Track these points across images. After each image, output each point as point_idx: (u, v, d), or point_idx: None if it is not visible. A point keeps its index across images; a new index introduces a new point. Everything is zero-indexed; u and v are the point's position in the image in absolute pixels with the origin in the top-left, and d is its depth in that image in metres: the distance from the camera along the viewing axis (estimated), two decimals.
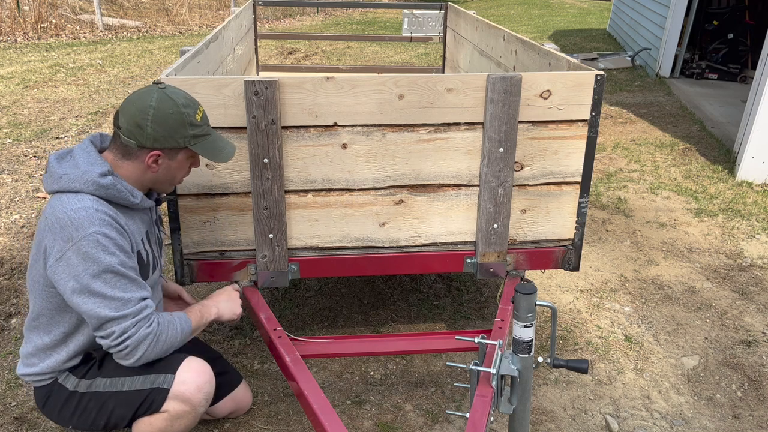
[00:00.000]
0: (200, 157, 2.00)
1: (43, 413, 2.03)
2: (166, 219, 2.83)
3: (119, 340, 1.77)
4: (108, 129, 5.91)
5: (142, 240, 1.97)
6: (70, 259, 1.73)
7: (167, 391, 1.89)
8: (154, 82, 1.92)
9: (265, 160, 2.21)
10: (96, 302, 1.74)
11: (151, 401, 1.89)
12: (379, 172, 2.32)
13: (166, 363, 1.94)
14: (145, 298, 1.83)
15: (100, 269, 1.73)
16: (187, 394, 1.90)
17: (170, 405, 1.89)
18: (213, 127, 2.17)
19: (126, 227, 1.85)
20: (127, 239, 1.84)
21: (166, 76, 2.11)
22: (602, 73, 2.28)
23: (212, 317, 2.09)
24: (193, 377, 1.92)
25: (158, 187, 1.99)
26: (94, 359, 1.97)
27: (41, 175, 4.79)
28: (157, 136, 1.82)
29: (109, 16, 12.53)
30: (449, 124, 2.28)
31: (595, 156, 4.18)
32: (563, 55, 2.57)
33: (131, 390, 1.90)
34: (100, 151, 1.91)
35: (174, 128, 1.83)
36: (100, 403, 1.92)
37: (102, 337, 1.80)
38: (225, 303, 2.15)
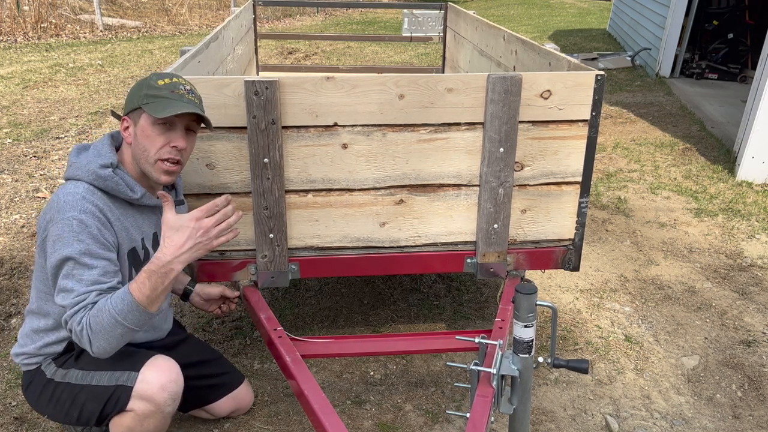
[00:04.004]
0: (179, 137, 1.86)
1: (25, 398, 2.04)
2: None
3: (67, 328, 1.75)
4: (108, 129, 5.91)
5: (142, 239, 1.97)
6: (48, 238, 1.79)
7: (131, 389, 1.86)
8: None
9: (266, 160, 2.21)
10: (56, 292, 1.78)
11: (117, 398, 1.87)
12: (379, 172, 2.32)
13: (133, 360, 1.92)
14: (87, 292, 1.72)
15: (63, 257, 1.73)
16: (149, 392, 1.86)
17: (135, 404, 1.87)
18: (214, 127, 2.16)
19: (115, 221, 1.86)
20: (111, 232, 1.83)
21: None
22: (602, 73, 2.28)
23: (167, 266, 1.73)
24: (156, 376, 1.88)
25: (142, 167, 1.89)
26: (73, 349, 1.97)
27: (41, 175, 4.79)
28: (126, 102, 1.90)
29: (109, 16, 12.52)
30: (449, 124, 2.28)
31: (595, 156, 4.18)
32: (563, 55, 2.57)
33: (99, 385, 1.90)
34: (121, 146, 1.98)
35: (134, 91, 1.88)
36: (73, 395, 1.92)
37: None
38: (175, 238, 1.74)
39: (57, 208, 1.79)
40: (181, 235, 1.74)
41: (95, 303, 1.72)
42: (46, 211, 1.83)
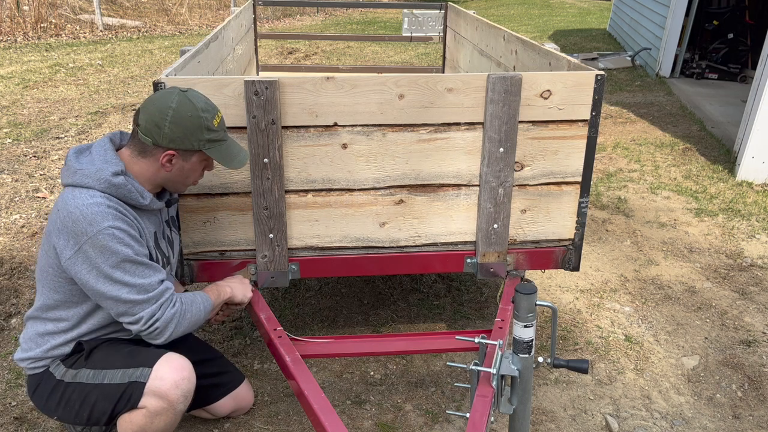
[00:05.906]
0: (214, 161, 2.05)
1: (33, 402, 2.04)
2: None
3: (149, 323, 1.88)
4: (108, 129, 5.91)
5: (147, 239, 1.98)
6: (88, 252, 1.79)
7: (144, 385, 1.87)
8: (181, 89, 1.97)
9: (265, 160, 2.21)
10: (119, 289, 1.82)
11: (129, 395, 1.88)
12: (379, 172, 2.32)
13: (146, 357, 1.94)
14: (163, 280, 1.92)
15: (118, 260, 1.81)
16: (163, 389, 1.87)
17: (147, 401, 1.87)
18: None
19: (135, 220, 1.92)
20: (136, 230, 1.91)
21: (166, 76, 2.11)
22: (602, 73, 2.28)
23: (227, 296, 2.19)
24: (170, 373, 1.89)
25: (170, 187, 2.03)
26: (83, 350, 1.97)
27: (41, 174, 4.79)
28: (174, 136, 1.87)
29: (109, 16, 12.52)
30: (449, 124, 2.28)
31: (595, 156, 4.18)
32: (563, 55, 2.57)
33: (111, 383, 1.90)
34: (119, 148, 1.97)
35: (191, 130, 1.88)
36: (83, 394, 1.92)
37: (130, 323, 1.88)
38: (238, 285, 2.26)
39: (87, 221, 1.78)
40: (245, 288, 2.30)
41: (175, 293, 1.96)
42: (67, 225, 1.80)
